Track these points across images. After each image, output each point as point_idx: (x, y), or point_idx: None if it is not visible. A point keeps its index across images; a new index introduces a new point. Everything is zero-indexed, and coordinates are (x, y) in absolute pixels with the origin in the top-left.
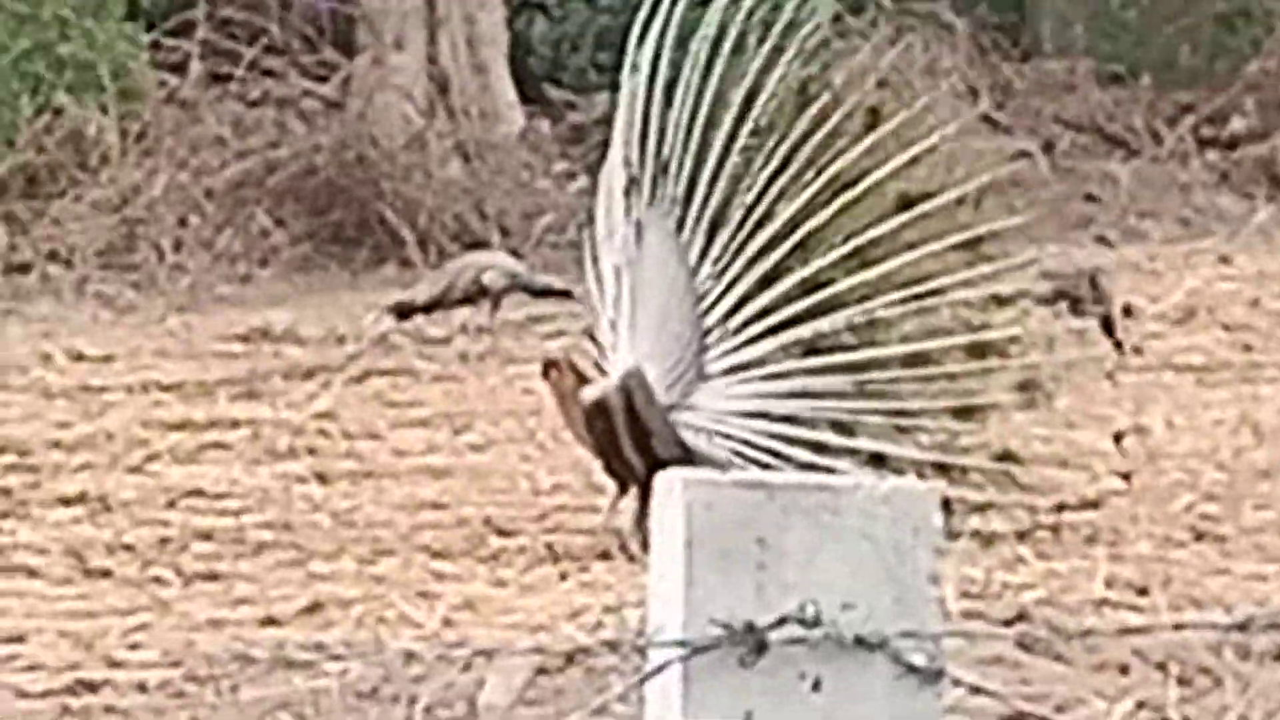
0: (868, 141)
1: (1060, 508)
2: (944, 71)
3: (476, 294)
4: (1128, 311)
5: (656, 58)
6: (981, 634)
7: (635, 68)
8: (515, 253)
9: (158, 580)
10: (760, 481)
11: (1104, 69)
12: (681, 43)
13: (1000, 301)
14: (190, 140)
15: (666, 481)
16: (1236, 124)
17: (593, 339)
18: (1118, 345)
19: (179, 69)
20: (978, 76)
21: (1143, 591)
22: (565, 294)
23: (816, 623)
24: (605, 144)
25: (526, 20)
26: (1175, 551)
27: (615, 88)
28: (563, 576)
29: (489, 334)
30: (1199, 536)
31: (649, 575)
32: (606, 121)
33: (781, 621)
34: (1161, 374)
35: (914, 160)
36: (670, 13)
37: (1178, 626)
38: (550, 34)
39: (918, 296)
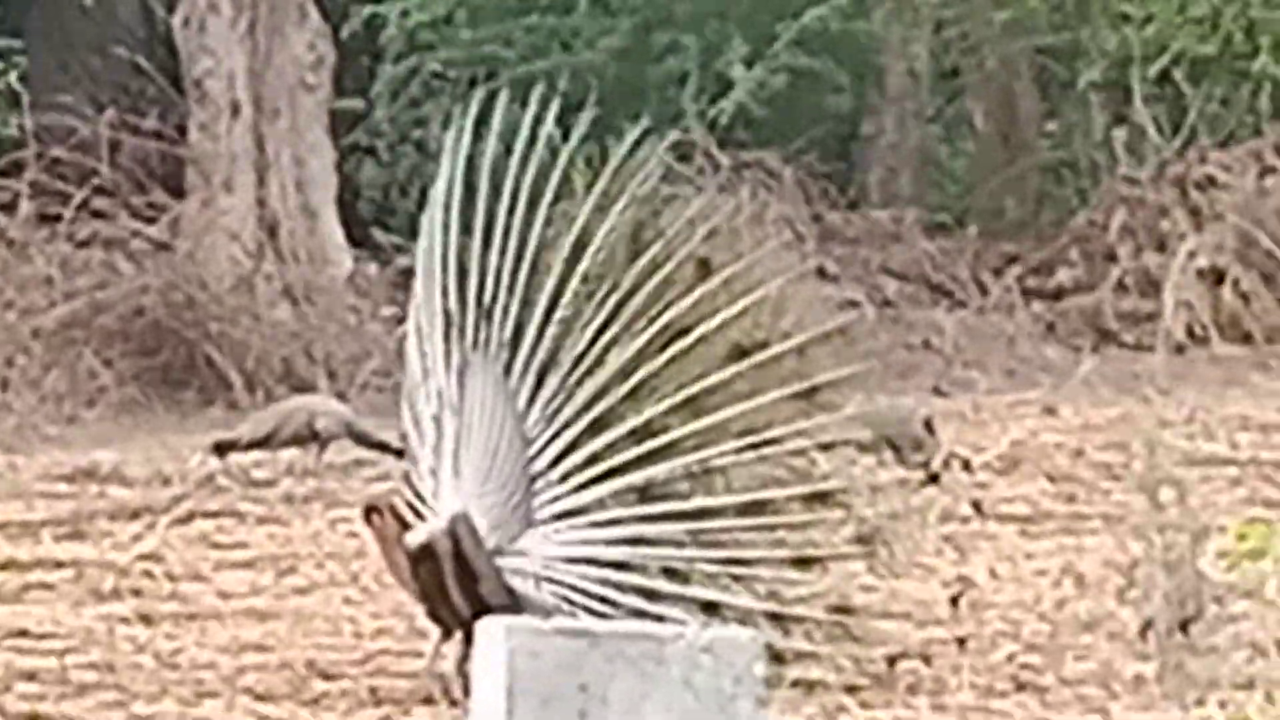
0: (699, 292)
1: (886, 657)
2: (771, 220)
3: (306, 437)
4: (966, 465)
5: (465, 203)
6: None
7: (439, 212)
8: (342, 396)
9: None
10: (584, 630)
11: (930, 219)
12: (494, 188)
13: (826, 449)
14: (18, 280)
15: (489, 628)
16: (1062, 275)
17: (409, 484)
18: (933, 478)
19: (8, 208)
20: (805, 225)
21: None
22: (397, 452)
23: None
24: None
25: (355, 164)
26: (997, 701)
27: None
28: None
29: (314, 476)
30: (1021, 687)
31: None
32: None
33: None
34: (986, 524)
35: (745, 310)
36: (470, 158)
37: None
38: (379, 178)
39: (754, 445)
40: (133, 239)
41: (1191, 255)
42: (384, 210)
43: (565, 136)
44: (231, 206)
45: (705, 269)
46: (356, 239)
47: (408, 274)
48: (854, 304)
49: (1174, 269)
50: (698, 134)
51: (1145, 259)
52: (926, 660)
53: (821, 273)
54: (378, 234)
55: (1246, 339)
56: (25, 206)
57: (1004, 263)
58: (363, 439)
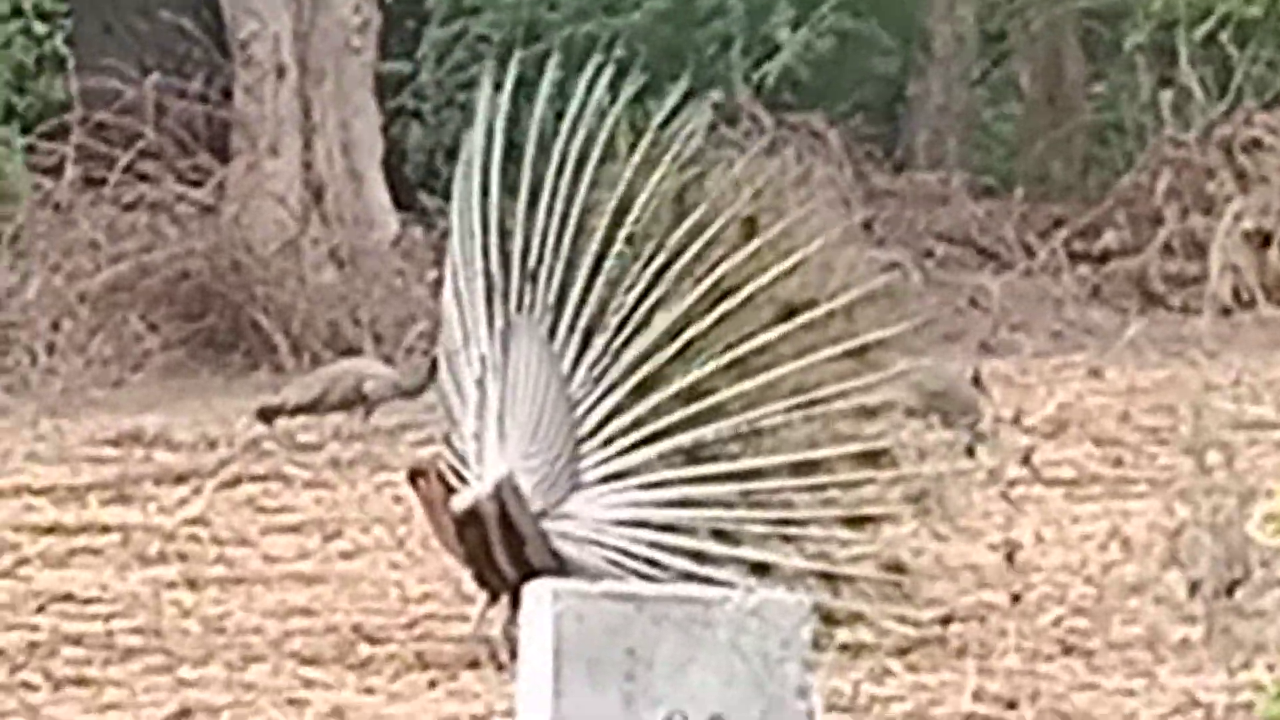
0: (745, 251)
1: (932, 621)
2: (818, 182)
3: (353, 401)
4: (1017, 421)
5: (507, 167)
6: None
7: (477, 175)
8: (388, 359)
9: (27, 685)
10: (630, 593)
11: (977, 181)
12: (540, 151)
13: (872, 412)
14: (64, 244)
15: (536, 591)
16: (1108, 238)
17: (451, 448)
18: (978, 440)
19: (54, 172)
20: (851, 187)
21: (1011, 705)
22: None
23: None
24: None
25: (401, 127)
26: (1043, 665)
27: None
28: (432, 684)
29: (361, 440)
30: (1067, 651)
31: (518, 684)
32: None
33: None
34: (1031, 487)
35: (792, 269)
36: (513, 121)
37: None
38: (425, 141)
39: (803, 405)
40: (178, 203)
41: (1237, 218)
42: (430, 173)
43: (612, 100)
44: (277, 170)
45: (751, 228)
46: (402, 202)
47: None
48: (898, 266)
49: (1220, 231)
50: (744, 97)
51: (1191, 221)
52: (980, 621)
53: (867, 227)
54: (423, 197)
55: None
56: (71, 170)
57: (1050, 225)
58: (409, 393)
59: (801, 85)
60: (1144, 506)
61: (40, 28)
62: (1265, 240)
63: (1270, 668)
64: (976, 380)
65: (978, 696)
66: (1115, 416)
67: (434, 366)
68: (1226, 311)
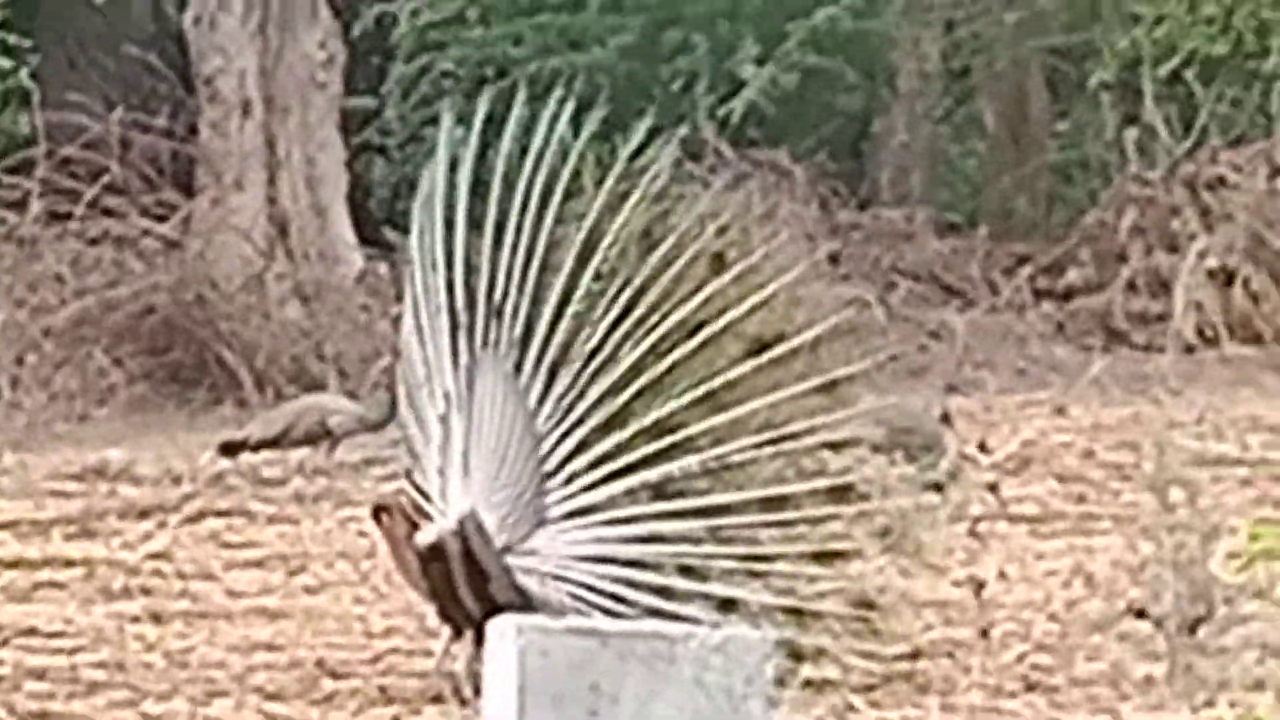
0: (714, 286)
1: (896, 657)
2: (782, 218)
3: (318, 436)
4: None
5: (471, 202)
6: None
7: (438, 209)
8: (353, 395)
9: None
10: (594, 629)
11: (941, 218)
12: (507, 185)
13: (838, 447)
14: (29, 278)
15: (500, 627)
16: (1073, 275)
17: (413, 484)
18: (937, 487)
19: (19, 206)
20: (816, 223)
21: None
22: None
23: None
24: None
25: (366, 162)
26: (1006, 702)
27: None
28: None
29: (325, 475)
30: (1030, 687)
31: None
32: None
33: None
34: (995, 524)
35: (760, 304)
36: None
37: None
38: (389, 176)
39: (772, 441)
40: (143, 237)
41: (1202, 255)
42: (395, 209)
43: (575, 135)
44: (242, 205)
45: (720, 264)
46: (367, 237)
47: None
48: (864, 302)
49: (1184, 269)
50: (709, 132)
51: (1156, 259)
52: (945, 657)
53: (833, 261)
54: (388, 232)
55: (1257, 339)
56: (36, 204)
57: (1015, 262)
58: (375, 427)
59: (767, 121)
60: (1107, 543)
61: (5, 63)
62: (1229, 278)
63: (1233, 705)
64: (945, 418)
65: None
66: (1079, 453)
67: (396, 401)
68: (1190, 349)
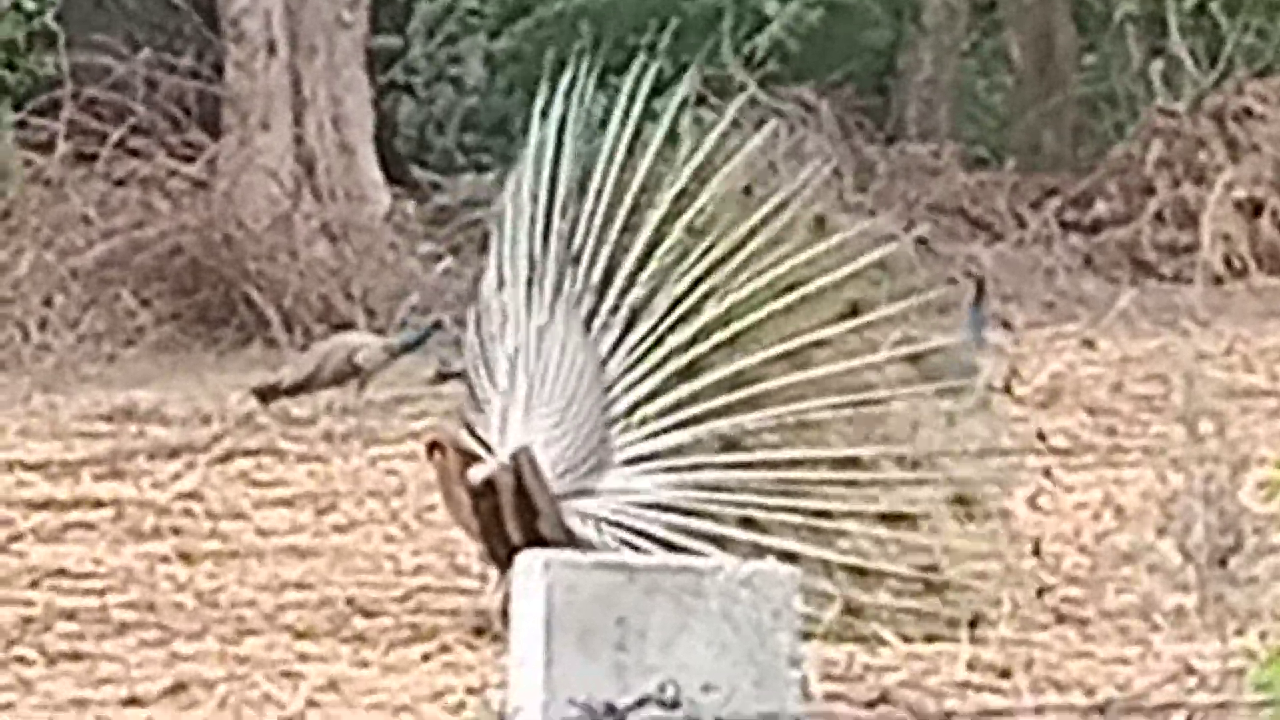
0: (816, 249)
1: (926, 589)
2: (809, 154)
3: (347, 374)
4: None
5: (558, 150)
6: (844, 716)
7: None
8: (380, 333)
9: (21, 660)
10: (621, 563)
11: (968, 152)
12: (589, 137)
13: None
14: (55, 219)
15: (527, 562)
16: (1100, 208)
17: (463, 421)
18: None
19: (45, 148)
20: (841, 159)
21: (1005, 674)
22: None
23: (676, 704)
24: (471, 225)
25: (392, 102)
26: (1037, 634)
27: (480, 169)
28: (426, 657)
29: (354, 414)
30: (1061, 619)
31: (510, 655)
32: (472, 203)
33: (641, 703)
34: (1025, 457)
35: (856, 272)
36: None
37: (1039, 709)
38: (416, 115)
39: (856, 404)
40: (170, 178)
41: (1229, 187)
42: (421, 147)
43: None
44: (268, 145)
45: (821, 227)
46: (394, 176)
47: (445, 210)
48: (895, 238)
49: (1211, 201)
50: (734, 69)
51: (1183, 191)
52: (976, 590)
53: (921, 241)
54: (415, 171)
55: None
56: (62, 146)
57: (1042, 196)
58: (400, 352)
59: (792, 57)
60: (1136, 475)
61: (31, 4)
62: (1257, 209)
63: (1263, 635)
64: (980, 285)
65: (972, 666)
66: (1108, 386)
67: (435, 326)
68: (1218, 280)
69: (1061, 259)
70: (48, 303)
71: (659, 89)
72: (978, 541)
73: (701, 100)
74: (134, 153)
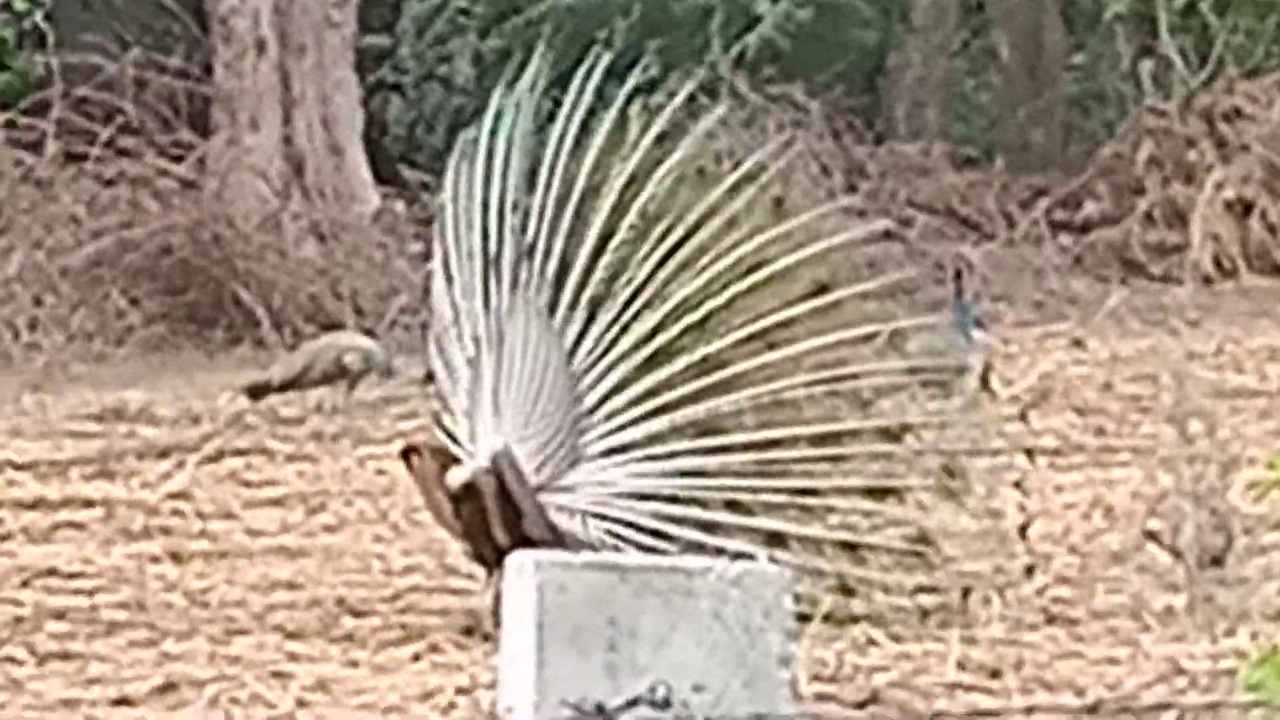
0: (780, 229)
1: (916, 590)
2: (799, 154)
3: (335, 375)
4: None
5: (508, 144)
6: (833, 717)
7: (478, 155)
8: (370, 333)
9: (11, 660)
10: (612, 563)
11: (958, 152)
12: (537, 129)
13: (894, 389)
14: (45, 219)
15: (519, 562)
16: (1090, 208)
17: (440, 426)
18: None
19: (35, 147)
20: (831, 158)
21: (995, 674)
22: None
23: (667, 704)
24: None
25: (381, 101)
26: (1027, 635)
27: None
28: (416, 657)
29: (343, 414)
30: (1051, 620)
31: (501, 655)
32: None
33: (633, 703)
34: (1014, 457)
35: (822, 252)
36: (518, 101)
37: (1029, 710)
38: (405, 115)
39: (829, 380)
40: (159, 177)
41: (1219, 187)
42: (410, 146)
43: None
44: (258, 144)
45: (780, 207)
46: (383, 176)
47: (434, 210)
48: (887, 235)
49: (1201, 201)
50: (724, 68)
51: (1172, 191)
52: (967, 590)
53: (888, 234)
54: (404, 170)
55: (1274, 270)
56: (52, 146)
57: (1031, 195)
58: (388, 372)
59: (782, 57)
60: (1126, 475)
61: (20, 4)
62: (1246, 209)
63: (1254, 635)
64: (959, 275)
65: (961, 666)
66: (1097, 386)
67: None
68: (1208, 280)
69: (1051, 259)
70: (37, 302)
71: (652, 86)
72: (962, 514)
73: (691, 99)
74: (124, 152)
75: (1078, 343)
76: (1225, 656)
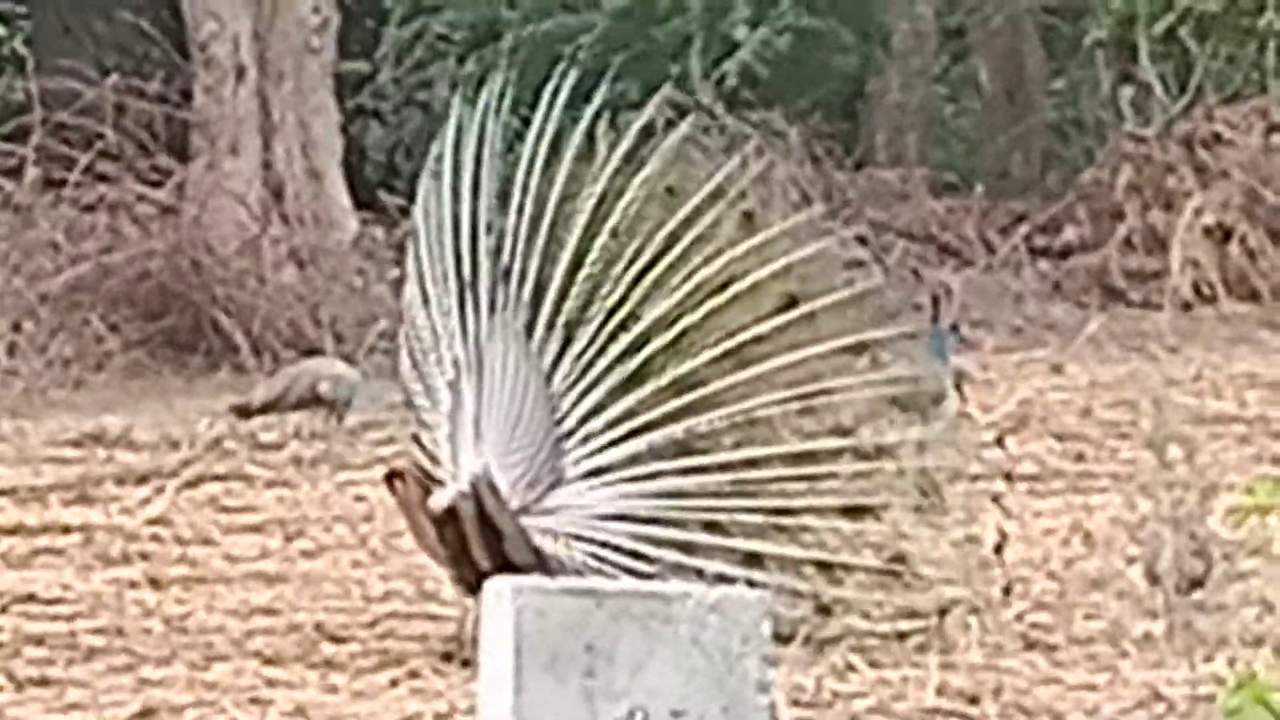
0: (749, 244)
1: (895, 615)
2: (778, 180)
3: (309, 402)
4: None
5: (476, 167)
6: None
7: (446, 177)
8: (349, 359)
9: None
10: (590, 589)
11: (937, 178)
12: (507, 149)
13: (870, 407)
14: (24, 245)
15: (496, 588)
16: (1069, 233)
17: (421, 450)
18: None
19: (14, 173)
20: (810, 184)
21: (974, 700)
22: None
23: None
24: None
25: (361, 127)
26: (1006, 660)
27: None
28: (394, 683)
29: (322, 440)
30: (1030, 645)
31: (479, 681)
32: None
33: None
34: (993, 482)
35: (791, 266)
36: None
37: None
38: (384, 140)
39: (804, 396)
40: (138, 203)
41: (1198, 213)
42: (389, 173)
43: (574, 103)
44: (237, 170)
45: (749, 223)
46: (362, 201)
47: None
48: (861, 264)
49: (1181, 227)
50: (703, 95)
51: (1152, 217)
52: (946, 615)
53: (860, 240)
54: (383, 196)
55: (1254, 296)
56: (31, 171)
57: (1011, 221)
58: (347, 405)
59: (761, 83)
60: (1104, 501)
61: None
62: (1226, 235)
63: (1232, 661)
64: (936, 300)
65: (940, 691)
66: (1076, 412)
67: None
68: (1187, 306)
69: (1030, 284)
70: (16, 328)
71: (632, 110)
72: (939, 532)
73: (669, 124)
74: (102, 178)
75: (1057, 368)
76: (1204, 682)
